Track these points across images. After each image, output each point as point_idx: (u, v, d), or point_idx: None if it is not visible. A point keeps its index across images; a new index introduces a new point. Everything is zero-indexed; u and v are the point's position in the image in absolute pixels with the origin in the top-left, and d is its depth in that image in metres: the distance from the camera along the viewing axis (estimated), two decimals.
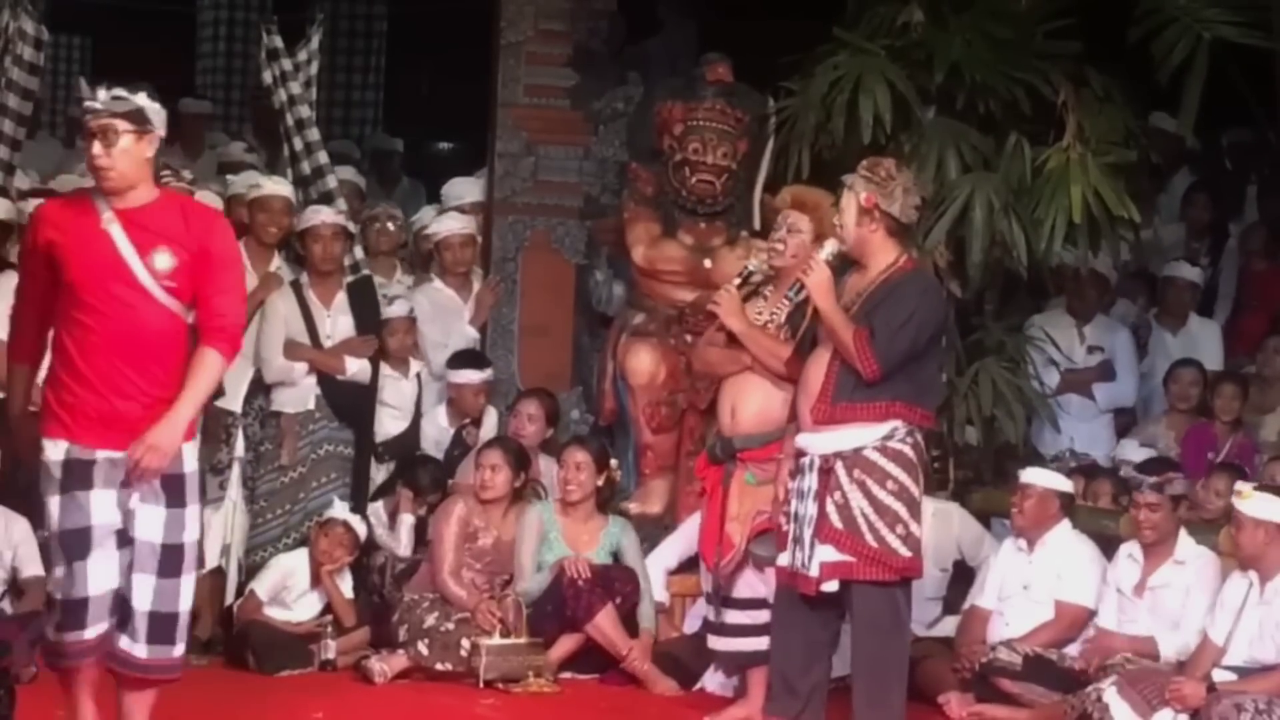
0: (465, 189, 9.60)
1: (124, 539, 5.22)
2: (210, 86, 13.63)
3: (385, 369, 8.51)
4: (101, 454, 5.20)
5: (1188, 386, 8.73)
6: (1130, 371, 9.13)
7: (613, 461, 8.06)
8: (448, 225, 9.11)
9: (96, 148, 5.22)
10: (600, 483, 7.89)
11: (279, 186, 8.52)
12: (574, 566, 7.58)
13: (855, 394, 6.35)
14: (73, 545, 5.19)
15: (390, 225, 9.30)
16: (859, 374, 6.32)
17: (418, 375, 8.69)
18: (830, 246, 6.56)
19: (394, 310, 8.59)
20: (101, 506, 5.20)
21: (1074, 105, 8.15)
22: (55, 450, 5.23)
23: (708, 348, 7.20)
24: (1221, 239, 10.20)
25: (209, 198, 8.64)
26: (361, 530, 8.06)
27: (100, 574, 5.18)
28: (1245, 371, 9.00)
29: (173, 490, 5.29)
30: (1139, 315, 9.64)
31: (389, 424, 8.55)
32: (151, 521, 5.26)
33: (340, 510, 8.04)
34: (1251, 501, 6.62)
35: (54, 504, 5.24)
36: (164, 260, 5.20)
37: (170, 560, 5.28)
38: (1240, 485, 6.76)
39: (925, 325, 6.38)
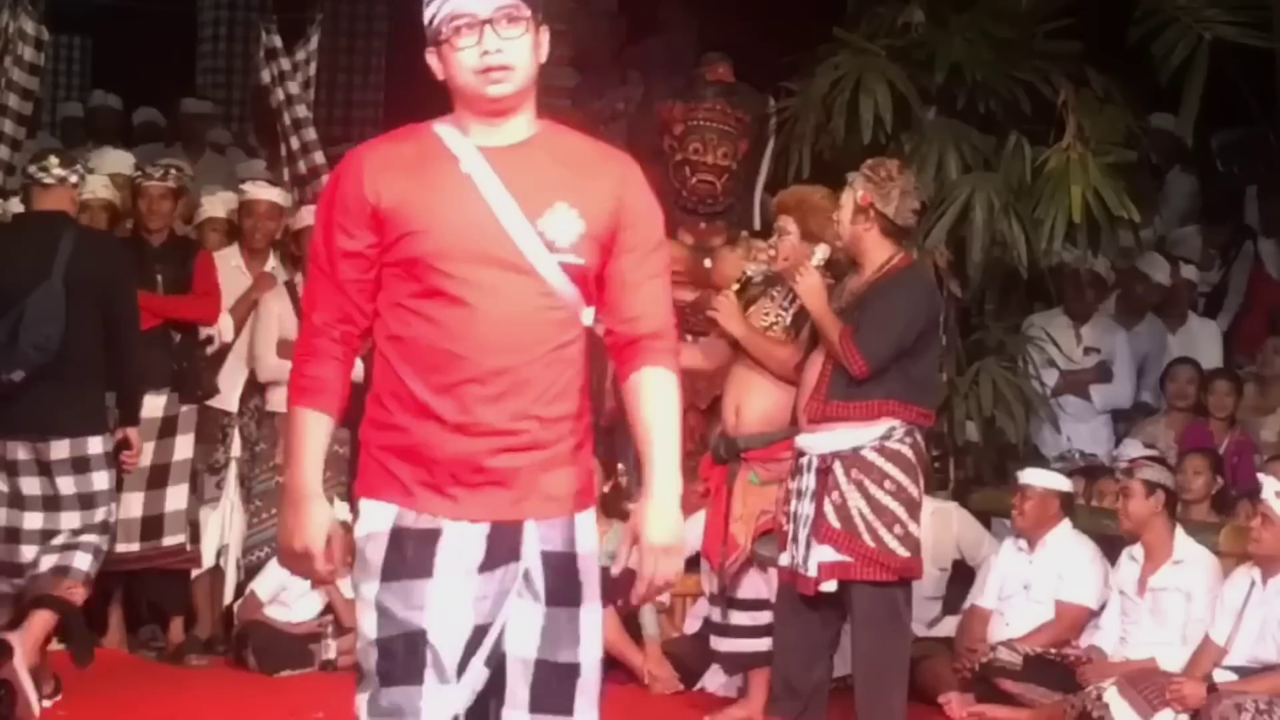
0: None
1: (484, 654, 3.47)
2: (211, 86, 13.63)
3: None
4: (453, 525, 3.42)
5: (1185, 385, 8.74)
6: (1127, 373, 9.13)
7: (619, 465, 8.07)
8: None
9: (491, 40, 3.43)
10: (606, 489, 7.90)
11: (263, 191, 8.48)
12: None
13: (848, 392, 6.35)
14: (396, 662, 3.53)
15: None
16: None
17: None
18: (821, 252, 6.60)
19: None
20: (446, 605, 3.41)
21: (1074, 105, 8.15)
22: (378, 517, 3.49)
23: (685, 349, 7.23)
24: (1237, 241, 10.20)
25: (216, 200, 8.65)
26: None
27: (436, 710, 3.47)
28: (1243, 371, 9.01)
29: (560, 577, 3.57)
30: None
31: None
32: (526, 626, 3.51)
33: (340, 510, 8.02)
34: None
35: (369, 595, 3.53)
36: (563, 224, 3.41)
37: (551, 687, 3.58)
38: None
39: (914, 321, 6.37)
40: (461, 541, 3.42)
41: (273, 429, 8.23)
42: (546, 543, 3.50)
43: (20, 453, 6.71)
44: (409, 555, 3.44)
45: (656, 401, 3.48)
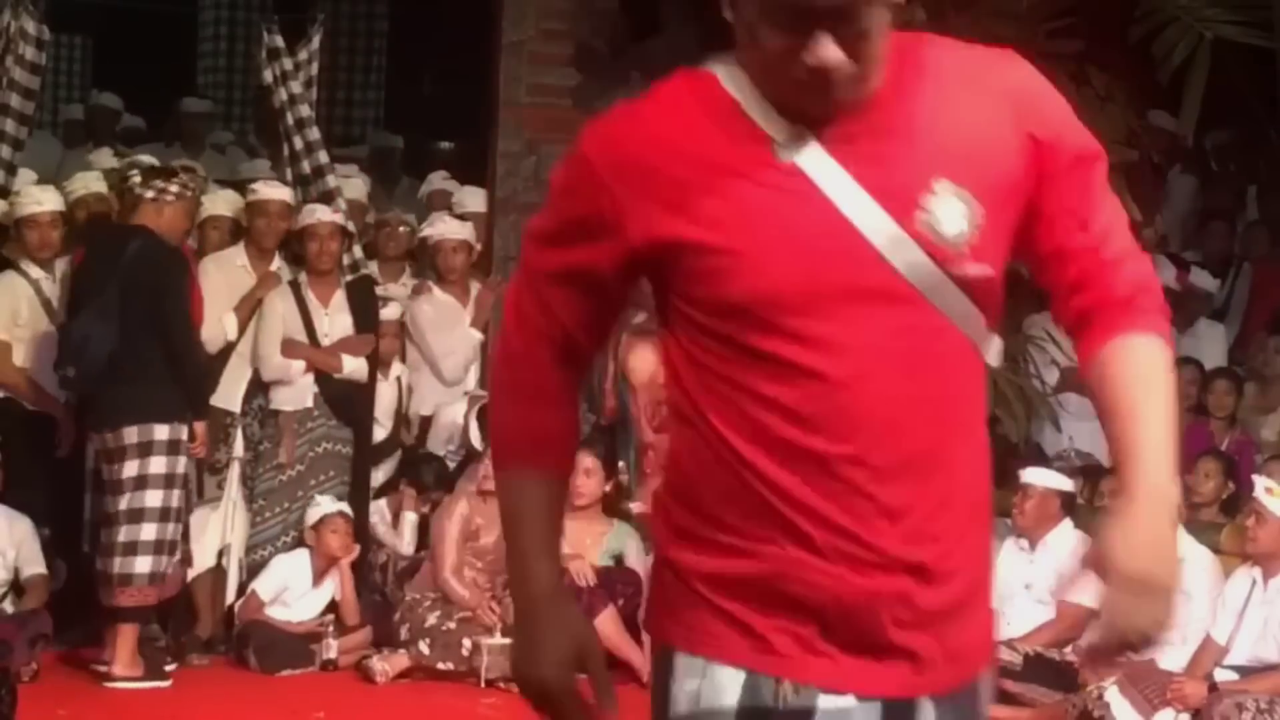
0: (471, 199, 9.58)
1: None
2: (211, 86, 13.65)
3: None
4: (832, 700, 2.23)
5: (1186, 385, 8.74)
6: None
7: (619, 464, 8.08)
8: (440, 229, 9.08)
9: (827, 48, 2.13)
10: (608, 488, 7.90)
11: (275, 190, 8.49)
12: (578, 573, 7.59)
13: None
14: None
15: (400, 230, 9.28)
16: None
17: (398, 379, 8.68)
18: None
19: (385, 314, 8.57)
20: None
21: (1075, 104, 8.14)
22: (717, 688, 2.24)
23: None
24: (1239, 253, 10.19)
25: (218, 199, 8.65)
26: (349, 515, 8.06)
27: None
28: (1243, 370, 9.01)
29: None
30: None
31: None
32: None
33: (331, 504, 8.01)
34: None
35: None
36: (951, 216, 2.20)
37: None
38: (1271, 484, 6.76)
39: None
40: None
41: (276, 428, 8.22)
42: None
43: (106, 442, 7.36)
44: None
45: (1143, 375, 2.26)
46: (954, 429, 2.23)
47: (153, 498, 7.27)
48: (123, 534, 7.25)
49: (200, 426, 7.55)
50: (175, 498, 7.37)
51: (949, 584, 2.24)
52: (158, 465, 7.29)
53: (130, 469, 7.26)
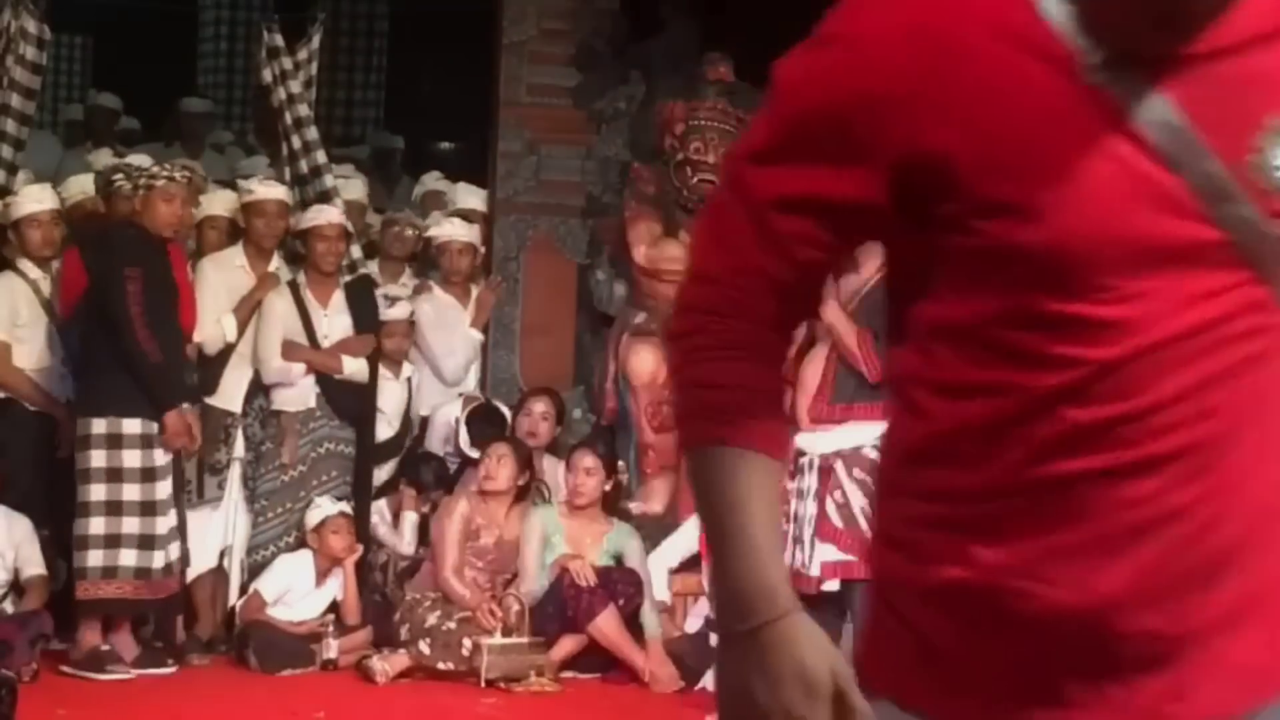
0: (465, 196, 9.58)
1: None
2: (212, 86, 13.64)
3: (379, 369, 8.50)
4: None
5: None
6: None
7: (619, 463, 8.08)
8: (448, 231, 9.09)
9: None
10: (608, 487, 7.91)
11: (271, 189, 8.47)
12: (578, 573, 7.58)
13: (856, 394, 6.35)
14: None
15: (408, 231, 9.29)
16: (859, 374, 6.33)
17: (408, 380, 8.68)
18: None
19: (394, 313, 8.58)
20: None
21: None
22: None
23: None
24: None
25: (215, 199, 8.65)
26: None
27: None
28: None
29: None
30: None
31: (378, 428, 8.53)
32: None
33: (330, 505, 8.01)
34: None
35: None
36: None
37: None
38: None
39: None
40: None
41: (278, 428, 8.21)
42: None
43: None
44: None
45: None
46: (1256, 413, 1.79)
47: (96, 491, 7.29)
48: (74, 527, 7.35)
49: (172, 418, 7.43)
50: (128, 491, 7.32)
51: (1225, 588, 1.79)
52: (97, 459, 7.28)
53: (78, 462, 7.33)
